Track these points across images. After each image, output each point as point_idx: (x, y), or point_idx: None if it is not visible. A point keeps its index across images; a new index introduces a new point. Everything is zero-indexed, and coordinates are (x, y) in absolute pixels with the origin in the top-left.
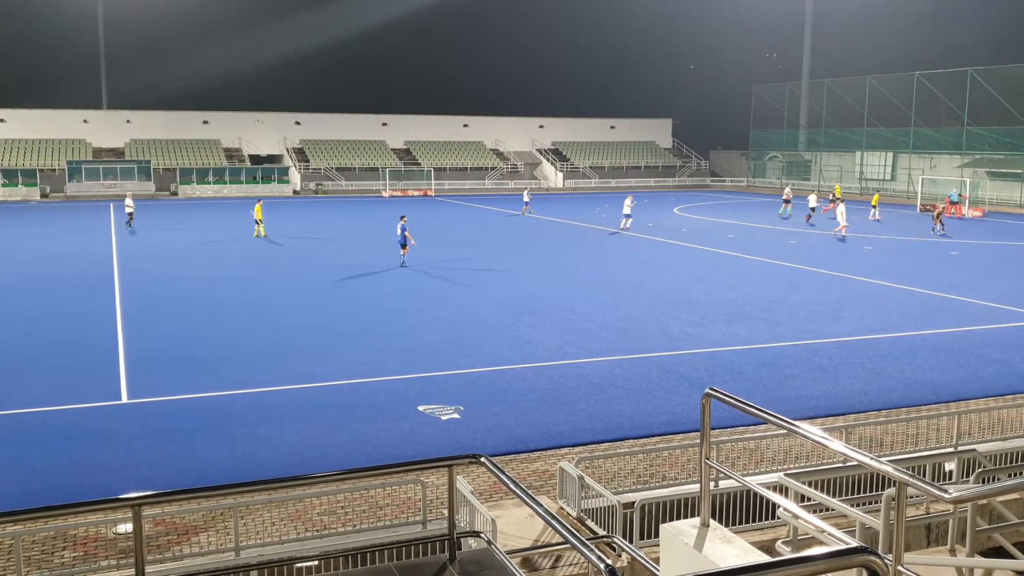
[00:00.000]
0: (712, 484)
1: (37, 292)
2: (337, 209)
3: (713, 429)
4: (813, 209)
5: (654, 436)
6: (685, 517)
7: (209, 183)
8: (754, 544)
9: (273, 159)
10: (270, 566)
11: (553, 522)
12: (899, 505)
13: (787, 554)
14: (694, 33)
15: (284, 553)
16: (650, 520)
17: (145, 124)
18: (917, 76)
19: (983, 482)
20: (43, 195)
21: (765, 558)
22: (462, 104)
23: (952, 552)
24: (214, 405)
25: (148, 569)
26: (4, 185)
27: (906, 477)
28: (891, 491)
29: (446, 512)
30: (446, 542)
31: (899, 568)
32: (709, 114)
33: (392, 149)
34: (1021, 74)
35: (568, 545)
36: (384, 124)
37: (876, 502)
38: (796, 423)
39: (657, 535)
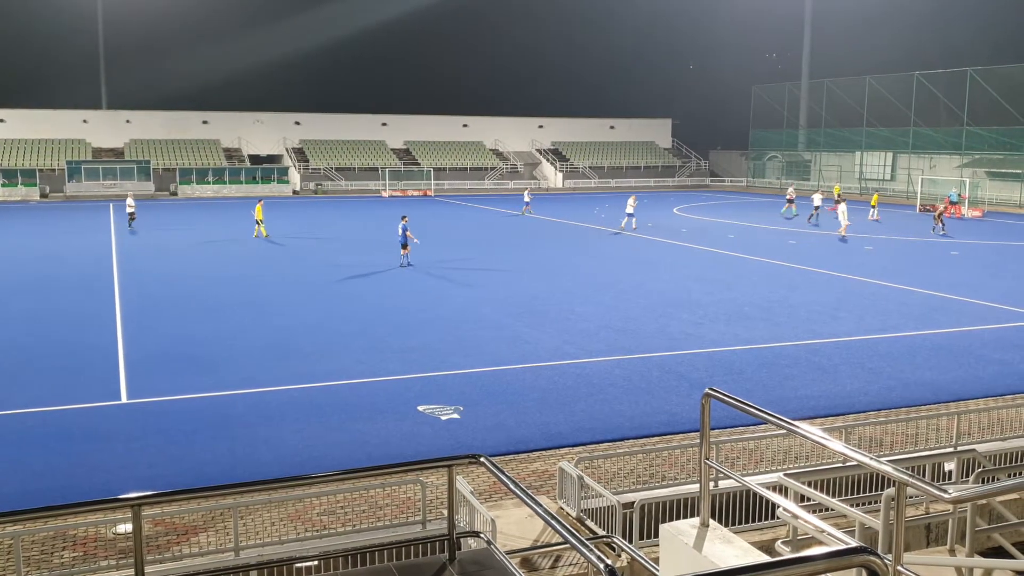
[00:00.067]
0: (712, 484)
1: (37, 292)
2: (337, 209)
3: (713, 429)
4: (817, 208)
5: (654, 436)
6: (685, 517)
7: (209, 183)
8: (754, 544)
9: (273, 159)
10: (270, 566)
11: (553, 522)
12: (899, 505)
13: (787, 554)
14: (693, 33)
15: (284, 553)
16: (650, 520)
17: (145, 124)
18: (917, 76)
19: (983, 482)
20: (43, 195)
21: (765, 558)
22: (462, 104)
23: (952, 552)
24: (214, 405)
25: (148, 569)
26: (4, 185)
27: (906, 477)
28: (891, 491)
29: (446, 512)
30: (446, 542)
31: (899, 568)
32: (709, 114)
33: (392, 149)
34: (1020, 74)
35: (568, 545)
36: (384, 124)
37: (876, 502)
38: (796, 423)
39: (657, 535)
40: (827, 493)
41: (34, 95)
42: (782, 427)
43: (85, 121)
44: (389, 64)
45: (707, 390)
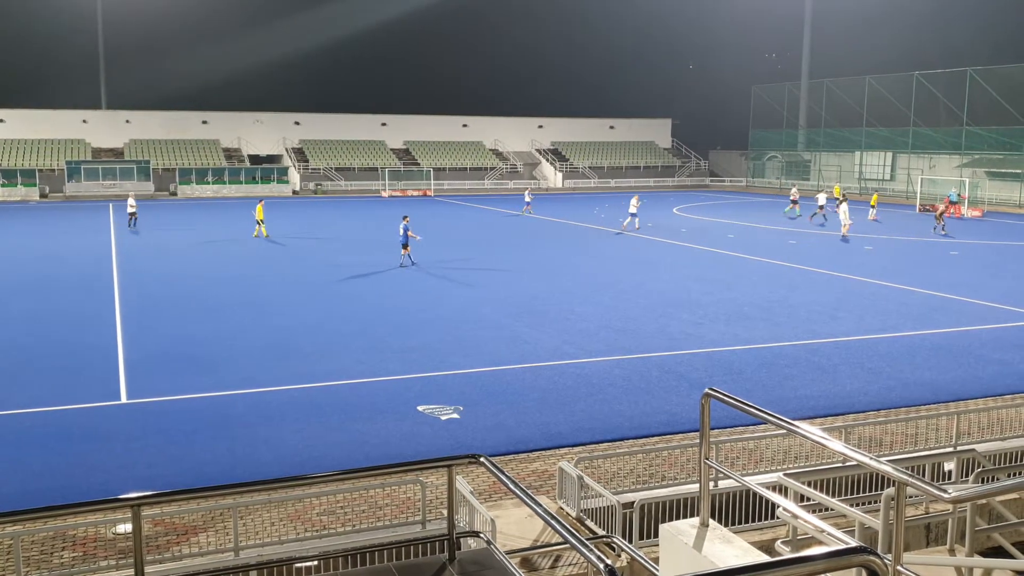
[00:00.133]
0: (711, 484)
1: (36, 292)
2: (336, 209)
3: (712, 429)
4: (821, 207)
5: (653, 436)
6: (684, 517)
7: (208, 183)
8: (753, 544)
9: (272, 159)
10: (269, 566)
11: (553, 522)
12: (898, 505)
13: (786, 554)
14: (693, 33)
15: (283, 553)
16: (649, 520)
17: (144, 124)
18: (916, 76)
19: (982, 482)
20: (42, 195)
21: (764, 558)
22: (461, 104)
23: (951, 552)
24: (214, 405)
25: (147, 569)
26: (3, 185)
27: (905, 477)
28: (890, 491)
29: (445, 512)
30: (445, 542)
31: (898, 568)
32: (708, 114)
33: (391, 149)
34: (1020, 74)
35: (568, 545)
36: (383, 124)
37: (875, 502)
38: (795, 423)
39: (656, 535)
40: (827, 493)
41: (34, 95)
42: (782, 427)
43: (85, 121)
44: (389, 64)
45: (707, 390)
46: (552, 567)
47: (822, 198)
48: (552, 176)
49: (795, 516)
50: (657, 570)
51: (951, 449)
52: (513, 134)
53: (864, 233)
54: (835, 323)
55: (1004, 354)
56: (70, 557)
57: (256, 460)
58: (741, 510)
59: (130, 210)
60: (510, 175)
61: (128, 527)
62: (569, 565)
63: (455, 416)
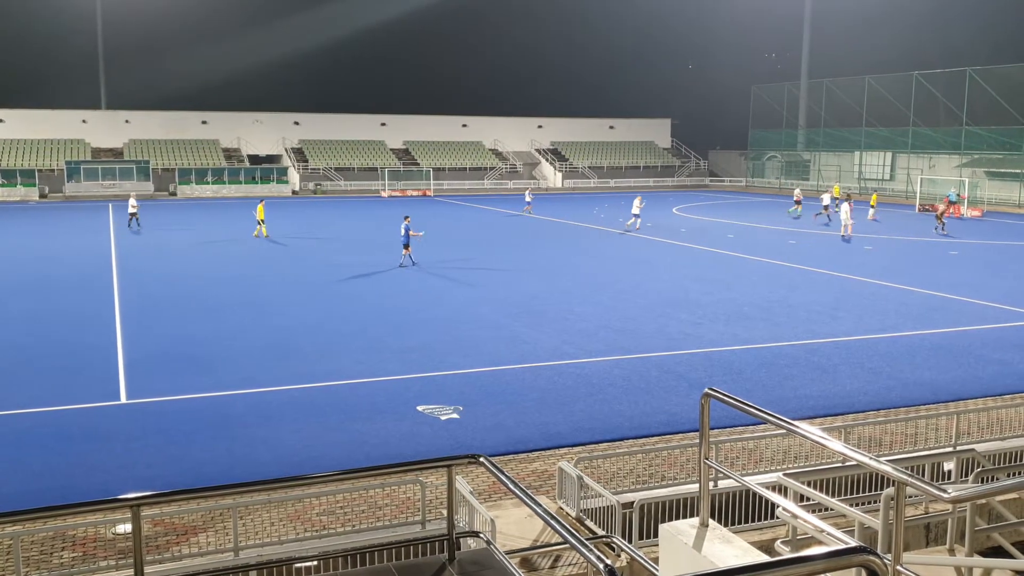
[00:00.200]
0: (711, 484)
1: (36, 292)
2: (336, 209)
3: (712, 429)
4: (826, 207)
5: (653, 436)
6: (684, 517)
7: (208, 183)
8: (753, 544)
9: (272, 159)
10: (269, 566)
11: (552, 522)
12: (898, 505)
13: (786, 554)
14: (692, 33)
15: (283, 553)
16: (649, 520)
17: (144, 124)
18: (916, 76)
19: (982, 482)
20: (42, 195)
21: (764, 558)
22: (461, 104)
23: (951, 552)
24: (213, 405)
25: (147, 569)
26: (3, 185)
27: (905, 477)
28: (890, 491)
29: (445, 512)
30: (445, 542)
31: (898, 568)
32: (708, 114)
33: (391, 149)
34: (1019, 74)
35: (567, 545)
36: (383, 124)
37: (875, 502)
38: (795, 423)
39: (656, 535)
40: (826, 493)
41: (33, 95)
42: (781, 427)
43: (84, 121)
44: (388, 64)
45: (706, 390)
46: (552, 567)
47: (826, 198)
48: (552, 176)
49: (795, 516)
50: (657, 570)
51: (951, 449)
52: (513, 134)
53: (864, 233)
54: (835, 323)
55: (1004, 354)
56: (70, 557)
57: (255, 460)
58: (741, 510)
59: (131, 210)
60: (510, 175)
61: (128, 527)
62: (569, 565)
63: (455, 416)
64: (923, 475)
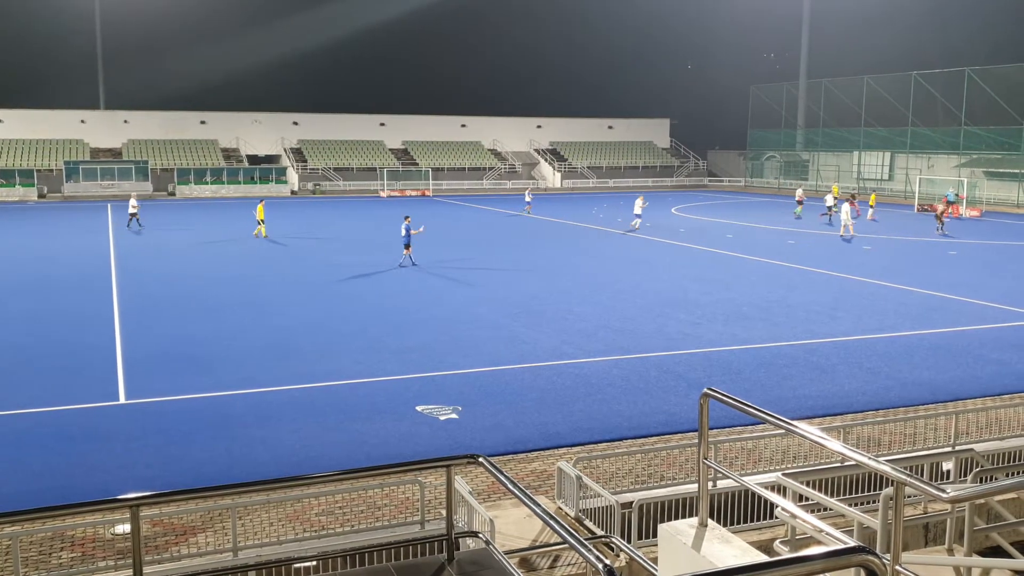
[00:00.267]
0: (710, 484)
1: (35, 292)
2: (335, 209)
3: (711, 429)
4: (831, 208)
5: (652, 436)
6: (683, 517)
7: (207, 183)
8: (752, 544)
9: (271, 159)
10: (268, 567)
11: (551, 522)
12: (897, 505)
13: (785, 554)
14: (691, 33)
15: (282, 553)
16: (648, 520)
17: (143, 124)
18: (914, 76)
19: (981, 482)
20: (40, 195)
21: (763, 558)
22: (460, 104)
23: (950, 552)
24: (212, 405)
25: (146, 570)
26: (1, 185)
27: (904, 477)
28: (889, 491)
29: (444, 512)
30: (444, 542)
31: (897, 568)
32: (707, 114)
33: (390, 149)
34: (1018, 74)
35: (566, 545)
36: (382, 124)
37: (874, 502)
38: (794, 423)
39: (655, 535)
40: (825, 493)
41: (32, 95)
42: (780, 427)
43: (83, 121)
44: (388, 64)
45: (705, 390)
46: (551, 567)
47: (830, 198)
48: (551, 176)
49: (794, 516)
50: (656, 570)
51: (949, 449)
52: (512, 134)
53: (863, 233)
54: (834, 323)
55: (1002, 354)
56: (69, 557)
57: (255, 460)
58: (740, 510)
59: (132, 211)
60: (508, 175)
61: (127, 527)
62: (568, 565)
63: (454, 416)
64: (922, 475)
